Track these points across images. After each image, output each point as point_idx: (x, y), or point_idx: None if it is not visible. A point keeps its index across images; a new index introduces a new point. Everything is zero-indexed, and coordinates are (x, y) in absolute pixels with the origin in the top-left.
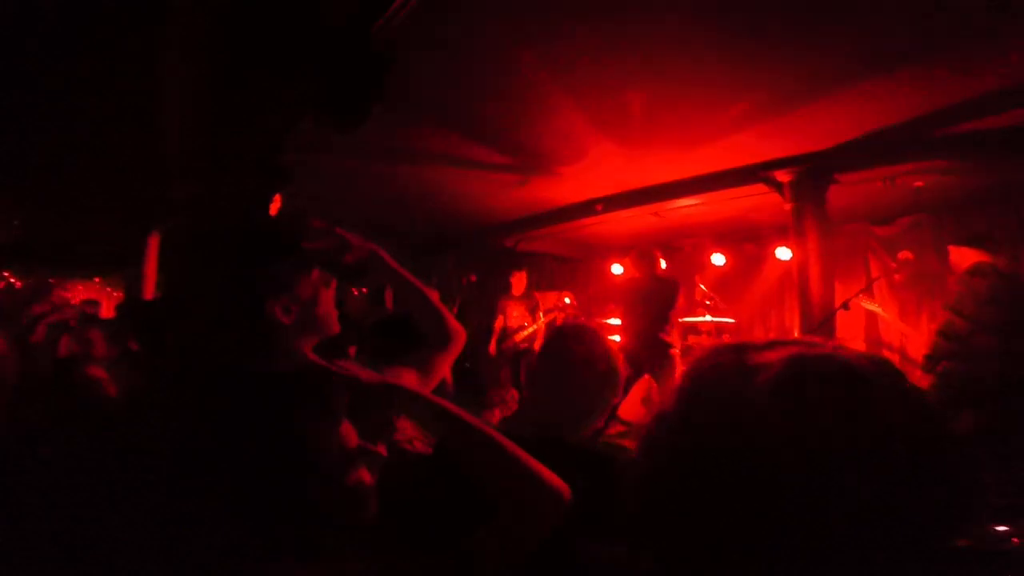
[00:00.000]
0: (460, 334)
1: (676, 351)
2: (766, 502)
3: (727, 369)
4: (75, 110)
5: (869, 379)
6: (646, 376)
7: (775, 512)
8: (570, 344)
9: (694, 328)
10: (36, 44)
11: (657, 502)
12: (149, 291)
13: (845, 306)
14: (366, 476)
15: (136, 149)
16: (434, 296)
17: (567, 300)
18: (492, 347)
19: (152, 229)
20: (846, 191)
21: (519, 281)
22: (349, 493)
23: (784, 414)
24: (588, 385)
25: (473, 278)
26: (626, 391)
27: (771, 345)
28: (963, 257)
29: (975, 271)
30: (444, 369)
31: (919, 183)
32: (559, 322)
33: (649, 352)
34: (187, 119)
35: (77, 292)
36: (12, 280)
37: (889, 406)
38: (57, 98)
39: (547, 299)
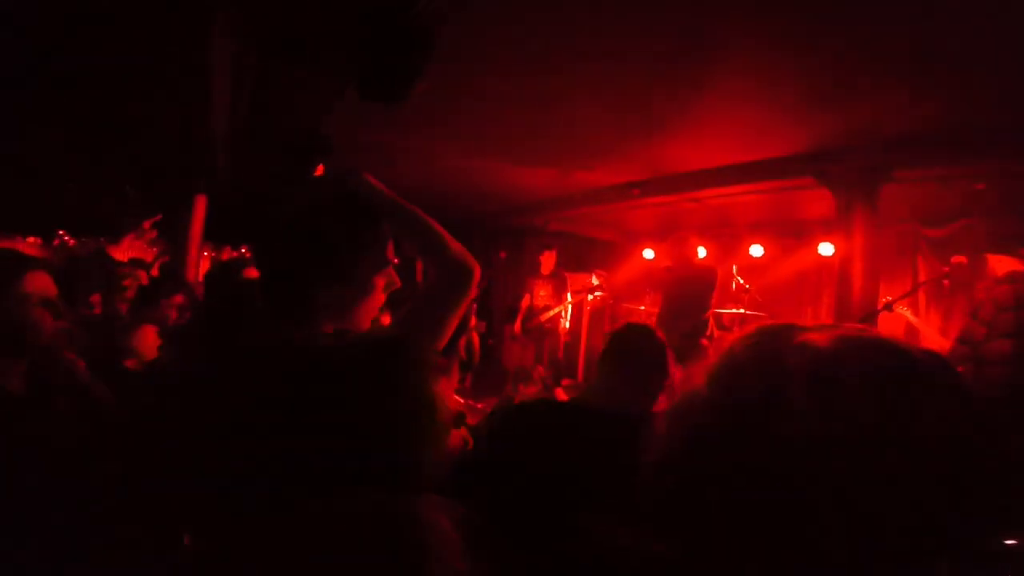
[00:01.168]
0: (473, 268)
1: (709, 341)
2: (798, 487)
3: (767, 348)
4: (126, 79)
5: (920, 367)
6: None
7: (807, 497)
8: (634, 336)
9: (723, 320)
10: (90, 22)
11: (679, 483)
12: (194, 251)
13: (888, 307)
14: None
15: (183, 116)
16: (436, 225)
17: (595, 280)
18: (517, 325)
19: (197, 192)
20: (899, 189)
21: (548, 260)
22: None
23: (826, 397)
24: (646, 370)
25: (503, 255)
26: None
27: (818, 328)
28: (1001, 265)
29: (1005, 279)
30: (459, 313)
31: (979, 185)
32: (587, 303)
33: (684, 342)
34: (233, 88)
35: (123, 248)
36: (66, 238)
37: (938, 398)
38: (108, 70)
39: (575, 280)
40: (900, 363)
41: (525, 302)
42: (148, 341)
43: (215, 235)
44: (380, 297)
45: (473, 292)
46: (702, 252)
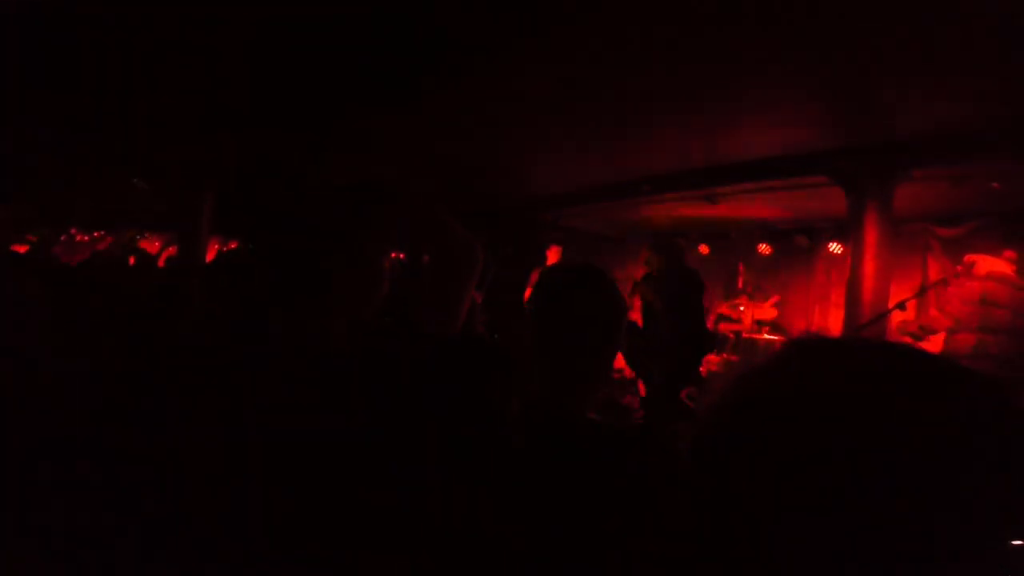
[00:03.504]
0: (477, 252)
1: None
2: (873, 499)
3: (825, 359)
4: (135, 76)
5: (1003, 385)
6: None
7: (881, 510)
8: (569, 294)
9: (731, 318)
10: (102, 15)
11: (729, 507)
12: (204, 245)
13: (901, 306)
14: None
15: (193, 113)
16: (441, 209)
17: None
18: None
19: (207, 188)
20: (914, 187)
21: (554, 255)
22: None
23: (908, 404)
24: (591, 342)
25: (511, 248)
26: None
27: (872, 342)
28: (985, 265)
29: (976, 276)
30: (467, 297)
31: (995, 184)
32: None
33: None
34: (243, 88)
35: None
36: (75, 233)
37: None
38: (118, 65)
39: None
40: (984, 377)
41: (530, 295)
42: None
43: (224, 228)
44: (385, 282)
45: (476, 275)
46: (707, 251)
